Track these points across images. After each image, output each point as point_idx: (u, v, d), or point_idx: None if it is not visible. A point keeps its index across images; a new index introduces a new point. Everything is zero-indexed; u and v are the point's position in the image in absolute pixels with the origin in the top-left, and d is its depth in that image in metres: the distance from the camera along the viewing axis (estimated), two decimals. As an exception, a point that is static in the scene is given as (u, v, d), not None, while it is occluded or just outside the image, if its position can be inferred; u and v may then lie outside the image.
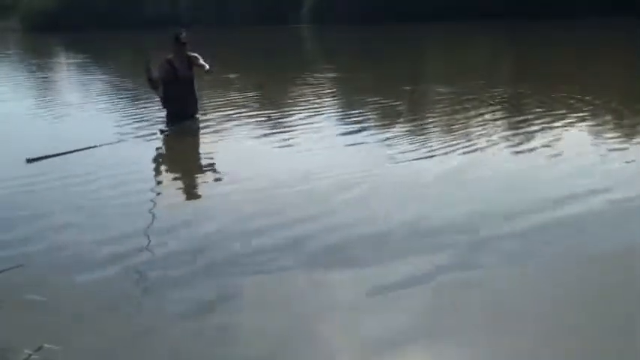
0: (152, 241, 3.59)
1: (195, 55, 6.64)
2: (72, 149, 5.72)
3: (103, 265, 3.28)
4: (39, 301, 2.85)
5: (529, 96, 8.61)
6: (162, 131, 6.55)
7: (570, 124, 6.50)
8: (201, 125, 6.87)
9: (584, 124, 6.58)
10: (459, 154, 5.33)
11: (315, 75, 12.54)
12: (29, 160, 5.40)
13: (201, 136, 6.58)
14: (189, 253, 3.40)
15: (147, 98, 8.40)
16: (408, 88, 10.34)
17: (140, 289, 3.05)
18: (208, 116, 7.38)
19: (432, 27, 27.77)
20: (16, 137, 6.93)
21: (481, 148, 5.53)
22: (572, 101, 7.79)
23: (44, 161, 5.44)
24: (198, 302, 2.87)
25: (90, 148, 5.83)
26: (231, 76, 12.29)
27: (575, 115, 6.93)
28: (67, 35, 35.28)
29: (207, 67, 6.55)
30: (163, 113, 6.89)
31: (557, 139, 5.81)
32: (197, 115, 6.93)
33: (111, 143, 6.07)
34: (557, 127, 6.37)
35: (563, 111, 7.18)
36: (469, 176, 4.68)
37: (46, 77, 15.18)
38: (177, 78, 6.56)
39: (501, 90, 9.28)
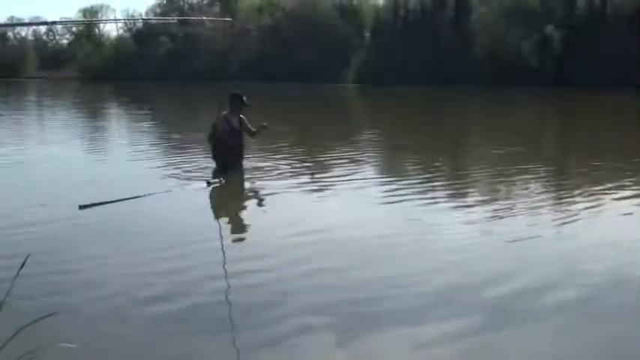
0: (200, 299, 3.56)
1: (244, 117, 7.31)
2: (122, 197, 5.85)
3: (141, 316, 3.29)
4: (73, 350, 2.84)
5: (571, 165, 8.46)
6: (209, 183, 6.66)
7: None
8: (248, 177, 7.03)
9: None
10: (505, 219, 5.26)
11: (362, 133, 12.63)
12: (82, 207, 5.54)
13: (247, 187, 6.75)
14: (237, 308, 3.42)
15: (193, 148, 8.60)
16: (451, 150, 10.30)
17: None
18: (255, 170, 7.50)
19: (475, 91, 27.91)
20: (71, 182, 7.14)
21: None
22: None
23: (95, 208, 5.58)
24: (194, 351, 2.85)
25: (139, 197, 5.96)
26: (278, 130, 12.49)
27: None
28: (121, 85, 36.67)
29: (255, 130, 7.35)
30: (211, 164, 7.07)
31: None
32: (243, 167, 7.36)
33: (159, 193, 6.19)
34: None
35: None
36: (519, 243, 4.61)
37: (99, 125, 15.74)
38: (232, 132, 7.15)
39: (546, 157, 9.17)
